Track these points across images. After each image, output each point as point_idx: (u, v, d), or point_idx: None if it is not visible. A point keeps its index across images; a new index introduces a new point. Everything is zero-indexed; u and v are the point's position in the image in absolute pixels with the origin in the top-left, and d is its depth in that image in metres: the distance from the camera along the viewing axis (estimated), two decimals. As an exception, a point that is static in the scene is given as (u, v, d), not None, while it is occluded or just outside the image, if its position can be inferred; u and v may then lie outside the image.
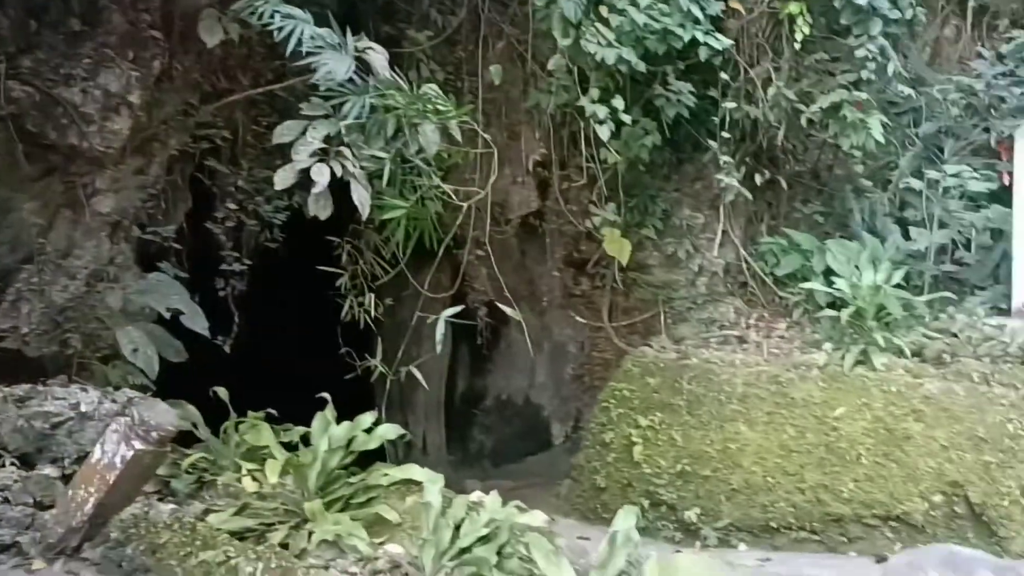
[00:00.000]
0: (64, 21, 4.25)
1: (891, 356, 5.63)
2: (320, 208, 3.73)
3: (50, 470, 3.48)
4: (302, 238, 4.60)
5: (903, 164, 7.39)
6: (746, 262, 7.38)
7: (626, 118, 5.29)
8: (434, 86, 4.03)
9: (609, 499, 6.24)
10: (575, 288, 7.68)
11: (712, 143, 6.38)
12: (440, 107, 3.89)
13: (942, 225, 6.68)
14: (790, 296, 7.06)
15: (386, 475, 3.93)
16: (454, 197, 3.86)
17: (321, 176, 3.63)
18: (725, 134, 6.23)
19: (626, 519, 3.66)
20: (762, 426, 5.77)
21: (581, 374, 8.02)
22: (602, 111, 5.05)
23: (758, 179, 6.89)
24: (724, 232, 7.40)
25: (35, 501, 3.38)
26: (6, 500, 3.35)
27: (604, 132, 5.07)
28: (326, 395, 3.98)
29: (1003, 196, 6.65)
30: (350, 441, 3.87)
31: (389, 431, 4.01)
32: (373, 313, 4.69)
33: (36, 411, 3.56)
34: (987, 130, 7.24)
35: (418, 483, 3.88)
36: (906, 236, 6.73)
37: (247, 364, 5.54)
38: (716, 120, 6.40)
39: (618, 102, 5.10)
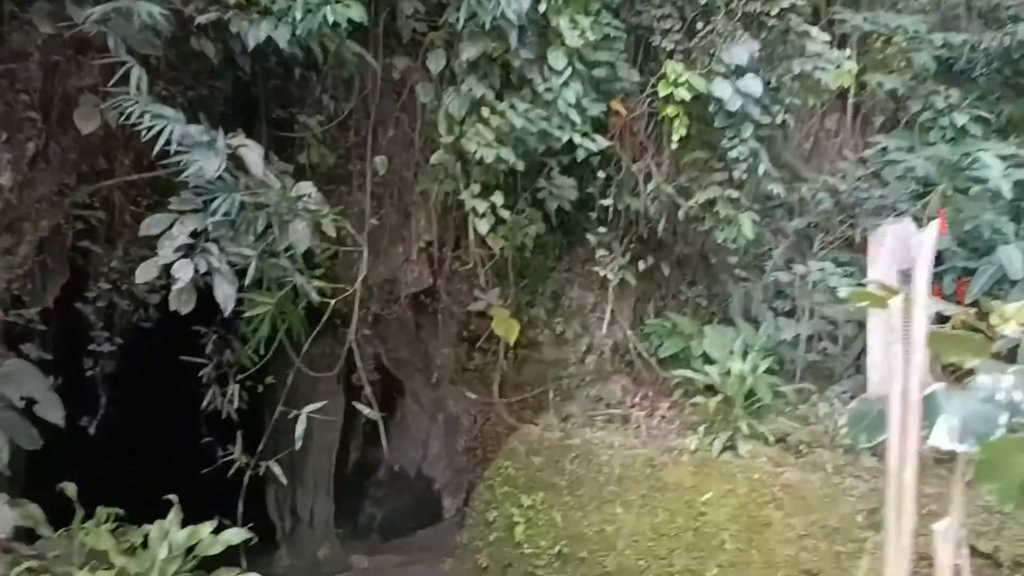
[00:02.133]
0: (-62, 100, 4.18)
1: (756, 443, 5.88)
2: (182, 303, 3.72)
3: None
4: (175, 321, 4.55)
5: (776, 256, 7.82)
6: (632, 343, 7.62)
7: (505, 213, 5.47)
8: (308, 184, 4.10)
9: (490, 579, 6.26)
10: (468, 363, 7.75)
11: (598, 231, 6.63)
12: (311, 207, 3.96)
13: (810, 315, 7.07)
14: (672, 377, 7.32)
15: None
16: (316, 297, 3.90)
17: (183, 273, 3.64)
18: (603, 228, 6.49)
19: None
20: (637, 508, 5.92)
21: (474, 447, 8.05)
22: (481, 205, 5.22)
23: (642, 265, 7.18)
24: (612, 312, 7.64)
25: None
26: None
27: (483, 225, 5.24)
28: (172, 497, 3.90)
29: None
30: (193, 547, 3.79)
31: (234, 536, 3.94)
32: (236, 403, 4.63)
33: None
34: (852, 226, 7.77)
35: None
36: (778, 325, 7.07)
37: (116, 447, 5.37)
38: (603, 207, 6.67)
39: (497, 197, 5.29)
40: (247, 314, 3.95)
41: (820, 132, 9.48)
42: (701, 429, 6.28)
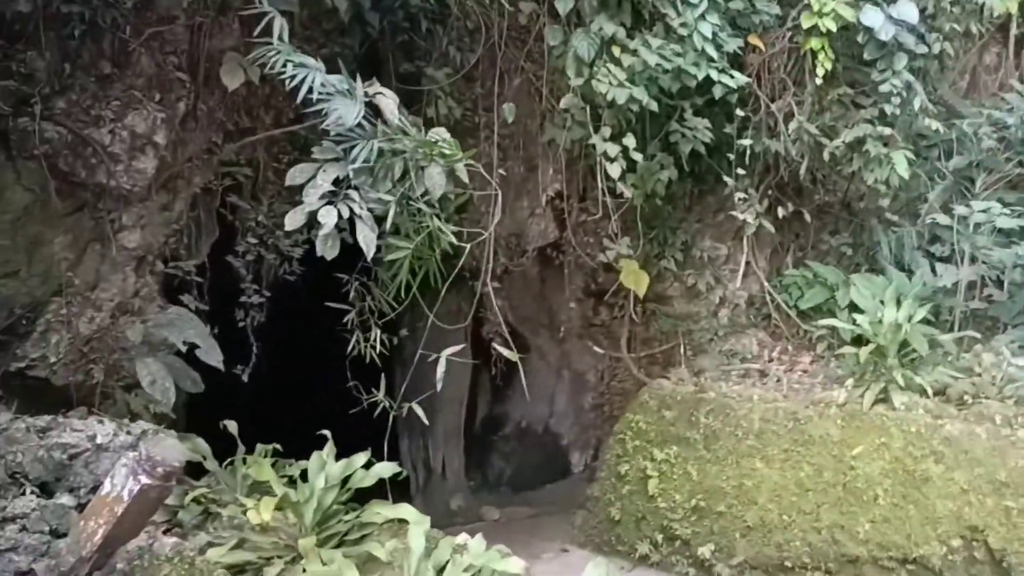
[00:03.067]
0: (96, 64, 4.43)
1: (912, 395, 5.52)
2: (328, 248, 3.82)
3: (67, 499, 3.58)
4: (319, 272, 4.71)
5: (932, 198, 7.27)
6: (770, 294, 7.32)
7: (638, 156, 5.31)
8: (442, 130, 4.11)
9: (623, 532, 6.23)
10: (594, 318, 7.68)
11: (735, 175, 6.36)
12: (446, 151, 3.97)
13: (972, 261, 6.56)
14: (814, 330, 6.99)
15: (379, 513, 3.97)
16: (455, 239, 3.91)
17: (328, 218, 3.73)
18: (741, 171, 6.20)
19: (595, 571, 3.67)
20: (779, 463, 5.71)
21: (601, 403, 8.01)
22: (613, 149, 5.08)
23: (781, 212, 6.84)
24: (747, 264, 7.35)
25: (51, 529, 3.49)
26: (24, 528, 3.46)
27: (614, 170, 5.11)
28: (326, 432, 4.06)
29: (1033, 232, 6.50)
30: (347, 478, 3.94)
31: (384, 469, 4.07)
32: (379, 348, 4.75)
33: (56, 442, 3.67)
34: (1021, 164, 7.12)
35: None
36: (935, 271, 6.61)
37: (267, 392, 5.63)
38: (740, 152, 6.38)
39: (629, 140, 5.13)
40: (387, 258, 4.03)
41: (978, 67, 8.71)
42: (849, 382, 5.97)
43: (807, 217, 7.20)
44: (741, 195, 6.17)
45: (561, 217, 6.92)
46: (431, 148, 4.00)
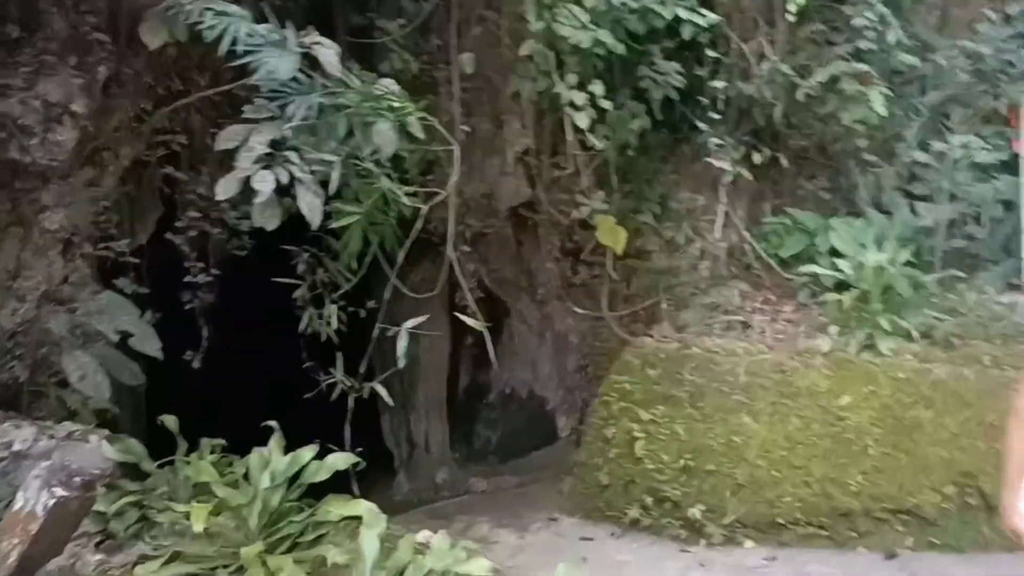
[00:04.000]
0: (1, 28, 3.94)
1: (898, 340, 5.23)
2: (266, 218, 3.42)
3: (-16, 515, 3.18)
4: (269, 245, 4.29)
5: (909, 136, 6.93)
6: (749, 244, 6.98)
7: (607, 104, 4.90)
8: (390, 82, 3.68)
9: (612, 496, 5.93)
10: (573, 278, 7.32)
11: (709, 120, 5.96)
12: (395, 104, 3.55)
13: (952, 198, 6.22)
14: (795, 278, 6.67)
15: (332, 512, 3.50)
16: (407, 201, 3.47)
17: (264, 184, 3.31)
18: (715, 115, 5.80)
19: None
20: (766, 417, 5.42)
21: (585, 364, 7.68)
22: (579, 97, 4.67)
23: (758, 158, 6.47)
24: (726, 214, 7.01)
25: (-35, 551, 3.10)
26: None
27: (582, 119, 4.70)
28: (272, 423, 3.64)
29: (1013, 166, 6.17)
30: (298, 474, 3.52)
31: (339, 461, 3.64)
32: (336, 324, 4.33)
33: (-34, 450, 3.26)
34: (996, 96, 6.75)
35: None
36: (915, 211, 6.27)
37: (226, 379, 5.24)
38: (713, 98, 5.98)
39: (596, 87, 4.72)
40: (334, 225, 3.61)
41: (949, 2, 8.30)
42: (834, 329, 5.66)
43: (784, 162, 6.84)
44: (717, 142, 5.76)
45: (532, 174, 6.51)
46: (378, 102, 3.58)
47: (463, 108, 5.55)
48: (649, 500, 5.70)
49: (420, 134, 3.70)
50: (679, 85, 5.40)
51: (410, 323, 3.67)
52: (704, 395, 5.76)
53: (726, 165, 5.89)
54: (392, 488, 7.45)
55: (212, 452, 3.66)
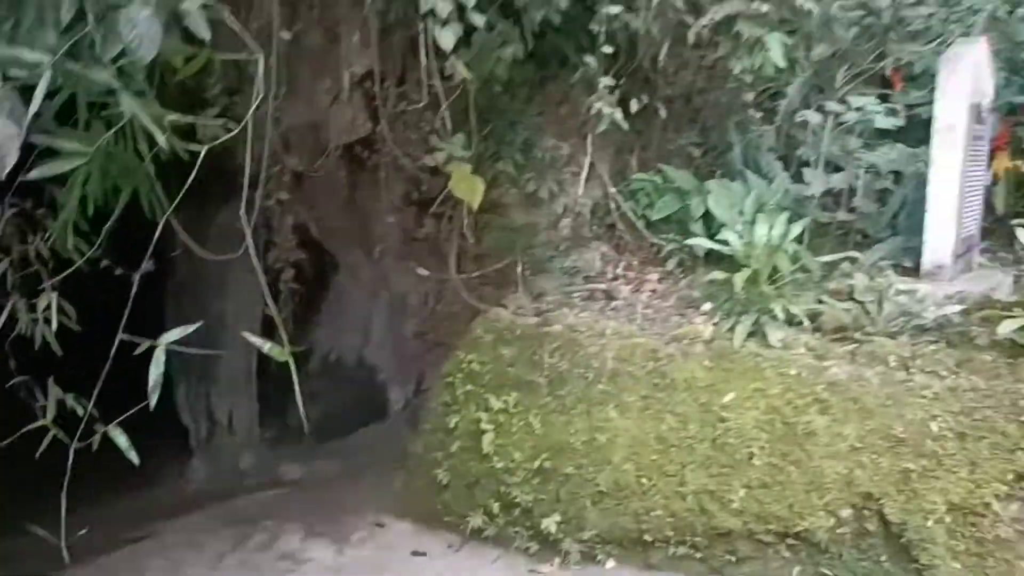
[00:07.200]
0: None
1: (789, 330, 4.52)
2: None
3: None
4: None
5: (791, 93, 6.24)
6: (615, 201, 6.09)
7: (478, 20, 3.67)
8: (148, -59, 2.27)
9: (452, 499, 4.95)
10: (417, 231, 6.12)
11: (587, 58, 4.87)
12: (158, -21, 2.17)
13: (836, 168, 5.61)
14: (663, 243, 5.88)
15: None
16: (162, 139, 2.12)
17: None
18: (599, 50, 4.72)
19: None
20: (637, 412, 4.58)
21: (424, 331, 6.58)
22: (444, 7, 3.40)
23: (634, 105, 5.50)
24: (591, 165, 6.05)
25: None
26: None
27: (447, 37, 3.45)
28: None
29: (896, 134, 5.64)
30: None
31: None
32: (54, 322, 2.82)
33: None
34: (881, 56, 6.19)
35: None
36: (800, 178, 5.60)
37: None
38: (589, 31, 4.90)
39: (465, -5, 3.47)
40: (34, 174, 2.20)
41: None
42: (711, 309, 4.91)
43: (661, 112, 5.95)
44: (606, 80, 4.70)
45: (374, 105, 5.16)
46: (126, -26, 2.16)
47: (284, 7, 4.10)
48: (496, 506, 4.76)
49: (205, 33, 2.34)
50: (562, 7, 4.24)
51: (167, 338, 2.35)
52: (566, 382, 4.84)
53: (606, 109, 4.86)
54: (186, 475, 6.05)
55: None
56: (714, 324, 4.74)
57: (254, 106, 2.57)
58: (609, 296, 5.66)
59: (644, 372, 4.68)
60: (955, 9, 6.04)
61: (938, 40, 5.94)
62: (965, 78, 4.59)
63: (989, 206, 5.44)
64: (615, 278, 5.98)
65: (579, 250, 6.03)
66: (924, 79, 5.75)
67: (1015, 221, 5.12)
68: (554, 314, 5.28)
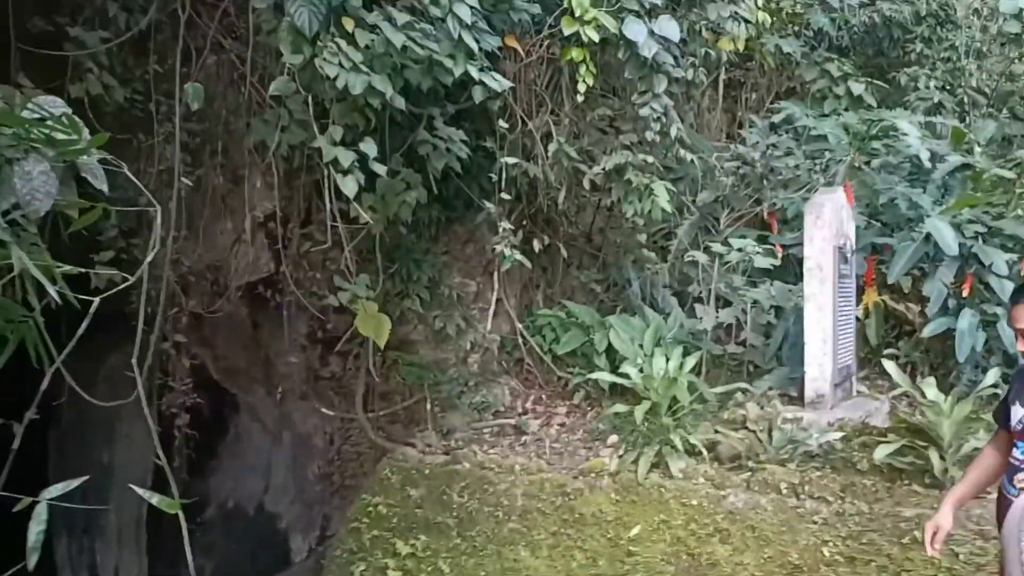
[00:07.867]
0: None
1: (688, 460, 4.64)
2: None
3: None
4: None
5: (682, 234, 6.70)
6: (522, 336, 6.24)
7: (380, 169, 3.86)
8: (54, 99, 2.34)
9: (357, 657, 4.67)
10: (322, 370, 6.05)
11: (487, 203, 5.14)
12: (61, 136, 2.23)
13: (725, 303, 5.97)
14: (570, 376, 6.02)
15: None
16: (52, 290, 2.12)
17: None
18: (505, 195, 5.00)
19: None
20: (547, 550, 4.53)
21: (330, 472, 6.37)
22: (346, 157, 3.58)
23: (537, 245, 5.79)
24: (499, 301, 6.23)
25: None
26: None
27: (350, 185, 3.60)
28: None
29: (775, 272, 6.07)
30: None
31: None
32: None
33: None
34: (759, 201, 6.77)
35: None
36: (694, 313, 5.91)
37: None
38: (491, 176, 5.20)
39: (369, 146, 3.66)
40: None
41: (701, 108, 8.48)
42: (617, 441, 5.02)
43: (563, 251, 6.25)
44: (507, 225, 4.94)
45: (277, 246, 5.22)
46: (29, 128, 2.22)
47: (187, 155, 4.19)
48: (406, 661, 4.54)
49: (102, 185, 2.39)
50: (463, 155, 4.51)
51: (50, 493, 2.21)
52: (475, 522, 4.77)
53: (507, 250, 5.08)
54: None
55: None
56: (619, 456, 4.81)
57: (151, 254, 2.59)
58: (519, 431, 5.70)
59: (553, 508, 4.67)
60: (818, 160, 6.72)
61: (806, 187, 6.55)
62: (829, 222, 5.07)
63: (864, 338, 5.86)
64: (524, 412, 6.04)
65: (488, 385, 6.09)
66: (796, 222, 6.29)
67: (885, 353, 5.60)
68: (463, 451, 5.26)
